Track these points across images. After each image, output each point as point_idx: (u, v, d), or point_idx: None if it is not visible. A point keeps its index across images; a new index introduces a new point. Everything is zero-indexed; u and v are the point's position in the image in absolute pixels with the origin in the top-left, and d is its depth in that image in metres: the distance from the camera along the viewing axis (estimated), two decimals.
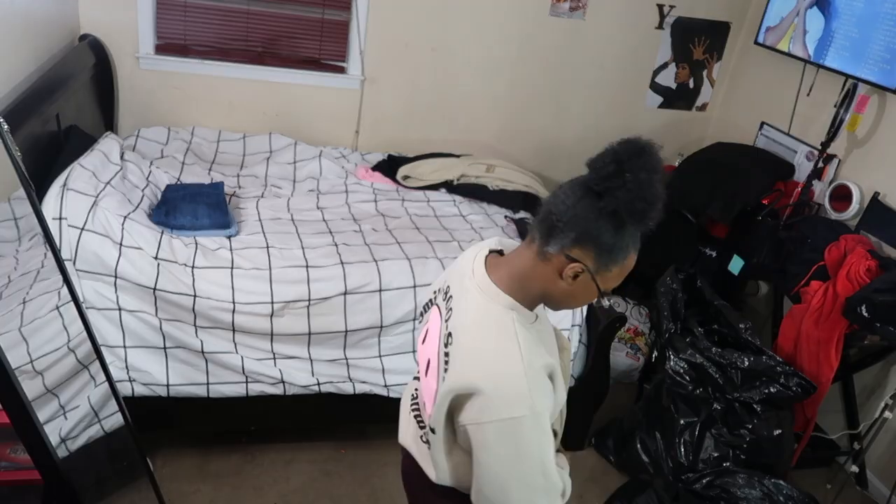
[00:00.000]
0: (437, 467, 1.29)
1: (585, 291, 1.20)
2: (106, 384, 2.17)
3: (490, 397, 1.13)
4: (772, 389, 2.32)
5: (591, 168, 1.15)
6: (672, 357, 2.52)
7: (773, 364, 2.33)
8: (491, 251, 1.29)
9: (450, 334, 1.22)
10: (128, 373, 2.26)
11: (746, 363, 2.35)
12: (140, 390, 2.28)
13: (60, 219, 2.14)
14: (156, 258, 2.25)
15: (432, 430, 1.25)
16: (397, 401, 2.49)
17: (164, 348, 2.28)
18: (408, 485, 1.49)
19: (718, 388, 2.40)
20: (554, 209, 1.16)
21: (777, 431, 2.37)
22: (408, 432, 1.44)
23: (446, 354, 1.21)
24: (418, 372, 1.41)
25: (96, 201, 2.24)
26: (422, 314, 1.43)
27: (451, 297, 1.28)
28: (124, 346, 2.24)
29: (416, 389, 1.45)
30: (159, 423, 2.36)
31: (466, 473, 1.23)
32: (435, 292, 1.38)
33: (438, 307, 1.32)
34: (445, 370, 1.20)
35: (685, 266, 3.36)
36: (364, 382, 2.45)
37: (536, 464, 1.16)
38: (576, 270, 1.16)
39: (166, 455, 2.46)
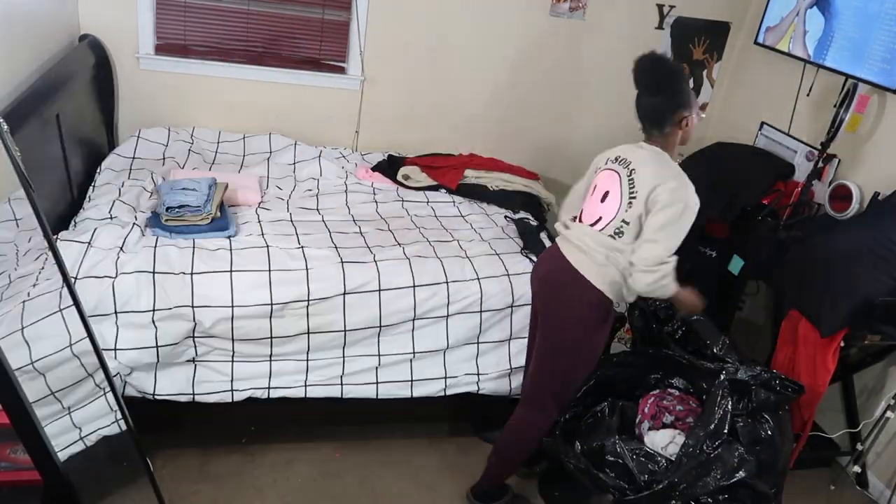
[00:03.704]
0: (626, 252, 2.05)
1: (692, 125, 2.10)
2: (117, 382, 2.19)
3: (680, 185, 2.01)
4: (761, 396, 2.29)
5: (641, 86, 2.08)
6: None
7: (754, 374, 2.27)
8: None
9: (633, 170, 2.06)
10: (121, 378, 2.26)
11: (719, 369, 2.30)
12: (132, 392, 2.29)
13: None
14: (152, 272, 2.24)
15: (622, 226, 2.05)
16: (394, 402, 2.52)
17: (156, 362, 2.28)
18: (552, 297, 2.18)
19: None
20: (645, 115, 2.08)
21: (775, 432, 2.36)
22: (581, 259, 2.10)
23: (631, 182, 2.04)
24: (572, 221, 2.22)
25: (90, 243, 2.26)
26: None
27: (624, 159, 2.10)
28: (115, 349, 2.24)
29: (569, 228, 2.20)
30: (159, 424, 2.36)
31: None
32: (602, 164, 2.18)
33: (612, 169, 2.12)
34: (632, 187, 2.04)
35: (684, 267, 3.36)
36: (356, 385, 2.46)
37: (684, 229, 2.03)
38: (684, 122, 2.07)
39: (166, 455, 2.46)
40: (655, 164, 2.05)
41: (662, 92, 2.04)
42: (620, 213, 2.06)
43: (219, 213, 2.55)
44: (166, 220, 2.44)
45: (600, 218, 2.10)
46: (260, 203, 2.85)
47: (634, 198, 2.04)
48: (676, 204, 1.99)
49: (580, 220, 2.18)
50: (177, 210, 2.45)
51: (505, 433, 2.33)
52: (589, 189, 2.21)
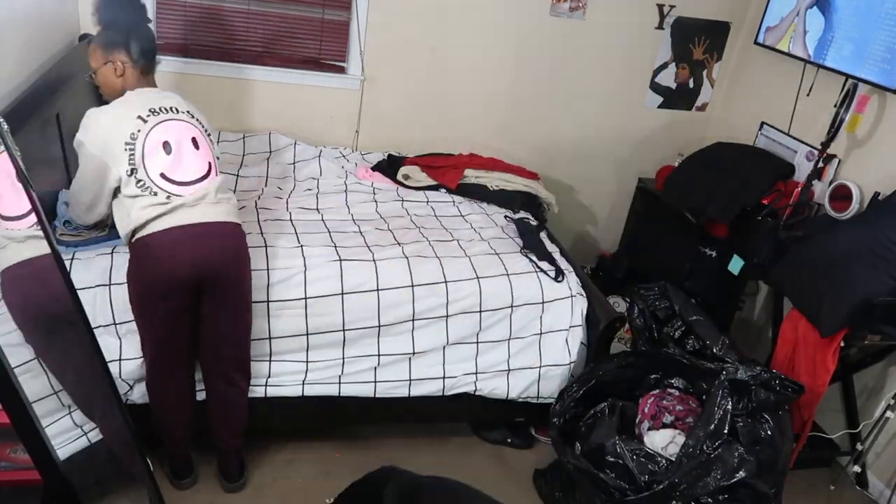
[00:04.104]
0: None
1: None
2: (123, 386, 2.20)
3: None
4: (761, 396, 2.29)
5: None
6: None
7: (754, 374, 2.27)
8: None
9: (190, 111, 2.17)
10: (127, 383, 2.26)
11: (719, 369, 2.30)
12: (135, 398, 2.29)
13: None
14: None
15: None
16: (393, 402, 2.52)
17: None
18: (232, 266, 2.12)
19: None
20: (150, 47, 2.16)
21: (775, 432, 2.36)
22: (224, 209, 2.11)
23: (199, 122, 2.16)
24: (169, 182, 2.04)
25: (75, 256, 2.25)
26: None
27: (172, 108, 2.12)
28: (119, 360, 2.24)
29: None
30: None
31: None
32: (144, 127, 2.02)
33: (177, 120, 2.08)
34: (204, 127, 2.18)
35: (685, 267, 3.37)
36: (354, 384, 2.46)
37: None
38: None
39: (166, 455, 2.46)
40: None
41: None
42: (214, 151, 2.15)
43: None
44: (61, 235, 2.25)
45: (210, 164, 2.10)
46: (257, 202, 2.85)
47: (210, 133, 2.16)
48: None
49: (175, 183, 2.03)
50: (74, 227, 2.26)
51: (228, 409, 2.29)
52: (146, 153, 1.99)
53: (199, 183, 2.06)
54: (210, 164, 2.10)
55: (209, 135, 2.15)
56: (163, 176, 2.00)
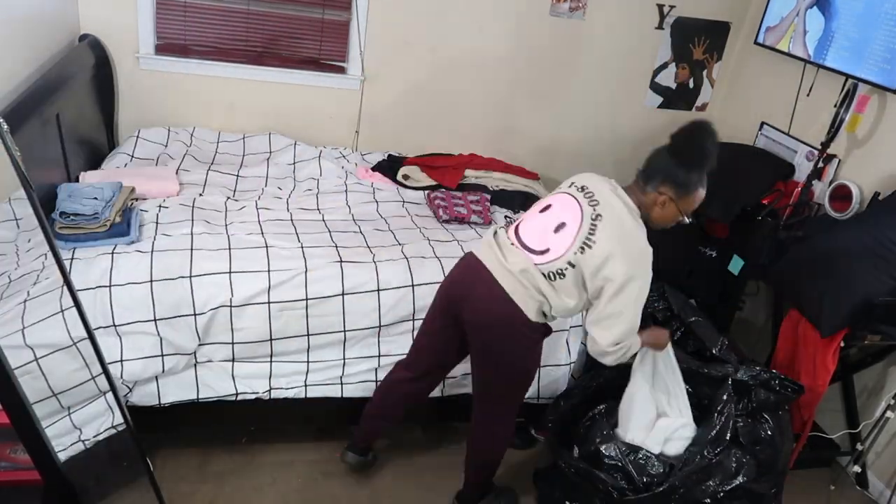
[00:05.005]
0: (555, 300, 1.93)
1: (671, 213, 1.98)
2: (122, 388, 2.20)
3: (635, 261, 1.88)
4: (761, 396, 2.29)
5: (672, 138, 1.97)
6: None
7: (754, 374, 2.28)
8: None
9: (600, 215, 1.91)
10: (126, 385, 2.26)
11: (724, 374, 2.30)
12: (136, 401, 2.29)
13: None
14: (150, 281, 2.22)
15: (561, 274, 1.91)
16: None
17: (162, 355, 2.27)
18: (485, 330, 2.01)
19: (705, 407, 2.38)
20: (647, 164, 1.99)
21: (775, 432, 2.36)
22: (516, 288, 1.94)
23: (593, 227, 1.89)
24: (515, 236, 2.01)
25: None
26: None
27: (592, 194, 1.95)
28: (121, 361, 2.23)
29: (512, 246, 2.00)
30: (159, 424, 2.37)
31: (572, 307, 1.96)
32: (565, 186, 2.04)
33: (572, 195, 1.98)
34: (592, 234, 1.89)
35: (684, 267, 3.37)
36: (354, 384, 2.46)
37: (642, 303, 1.90)
38: (664, 200, 1.96)
39: (166, 455, 2.46)
40: (624, 221, 1.91)
41: (676, 156, 1.93)
42: (568, 255, 1.90)
43: (118, 219, 2.35)
44: (60, 228, 2.24)
45: (548, 250, 1.94)
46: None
47: (589, 247, 1.88)
48: (632, 283, 1.86)
49: (520, 243, 1.99)
50: (71, 218, 2.26)
51: (474, 448, 2.27)
52: (538, 206, 2.06)
53: (530, 255, 1.99)
54: (548, 250, 1.97)
55: (588, 244, 1.92)
56: None
